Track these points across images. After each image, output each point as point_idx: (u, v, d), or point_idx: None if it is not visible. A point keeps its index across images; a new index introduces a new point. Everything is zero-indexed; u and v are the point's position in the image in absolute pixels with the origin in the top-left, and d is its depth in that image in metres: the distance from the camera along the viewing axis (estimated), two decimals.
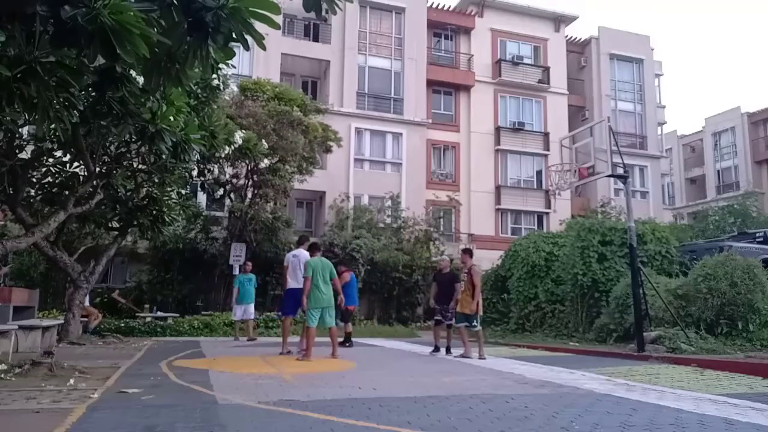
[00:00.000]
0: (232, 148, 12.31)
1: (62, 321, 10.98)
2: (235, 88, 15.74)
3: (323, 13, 4.02)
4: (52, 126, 5.82)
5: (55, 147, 9.52)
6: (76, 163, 9.91)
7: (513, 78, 27.05)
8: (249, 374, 6.50)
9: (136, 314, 15.04)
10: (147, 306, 15.90)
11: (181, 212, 12.87)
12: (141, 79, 5.26)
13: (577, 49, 30.40)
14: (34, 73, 3.87)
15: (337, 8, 3.96)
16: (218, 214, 18.96)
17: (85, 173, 9.52)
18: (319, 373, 6.95)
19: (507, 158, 26.56)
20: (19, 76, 3.86)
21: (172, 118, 7.13)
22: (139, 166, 10.48)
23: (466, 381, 6.26)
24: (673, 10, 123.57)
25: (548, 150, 26.38)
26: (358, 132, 23.45)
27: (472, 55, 26.95)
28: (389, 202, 22.10)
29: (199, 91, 9.18)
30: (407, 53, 24.78)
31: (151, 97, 6.41)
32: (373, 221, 20.87)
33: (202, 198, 18.57)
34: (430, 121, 24.99)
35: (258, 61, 22.01)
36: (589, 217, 17.22)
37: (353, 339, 11.21)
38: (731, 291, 10.14)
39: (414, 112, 24.25)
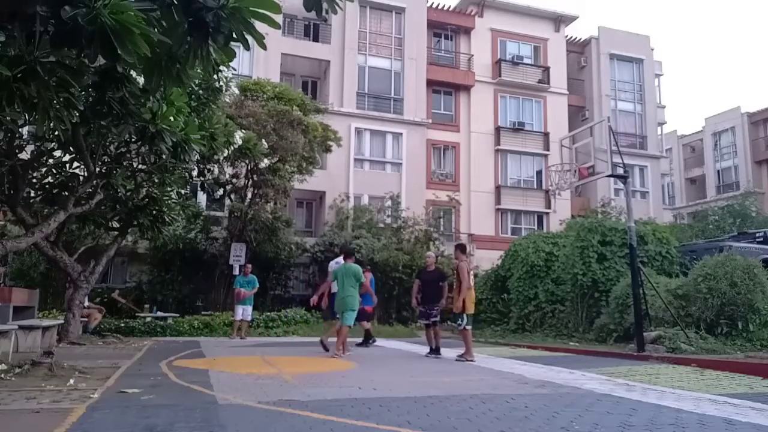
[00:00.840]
0: (232, 148, 12.30)
1: (62, 321, 10.97)
2: (236, 89, 15.73)
3: (323, 13, 4.02)
4: (52, 126, 5.81)
5: (55, 147, 9.52)
6: (76, 163, 9.90)
7: (513, 78, 27.05)
8: (249, 374, 6.50)
9: (136, 314, 15.03)
10: (147, 306, 15.89)
11: (181, 212, 12.89)
12: (141, 80, 5.26)
13: (577, 49, 30.40)
14: (34, 73, 3.87)
15: (337, 8, 3.96)
16: (218, 214, 18.95)
17: (85, 173, 9.51)
18: (319, 373, 6.95)
19: (507, 158, 26.55)
20: (19, 76, 3.86)
21: (172, 119, 7.14)
22: (139, 166, 10.47)
23: (466, 381, 6.27)
24: (673, 10, 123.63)
25: (548, 150, 26.38)
26: (358, 132, 23.45)
27: (472, 55, 26.95)
28: (389, 202, 22.08)
29: (201, 92, 9.18)
30: (407, 53, 24.78)
31: (151, 98, 6.41)
32: (373, 221, 20.85)
33: (202, 198, 18.57)
34: (430, 121, 24.98)
35: (258, 61, 22.01)
36: (589, 217, 17.21)
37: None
38: (731, 291, 10.14)
39: (414, 112, 24.24)
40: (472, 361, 8.37)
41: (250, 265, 13.80)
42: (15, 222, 11.33)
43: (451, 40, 27.52)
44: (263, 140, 14.80)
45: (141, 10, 3.38)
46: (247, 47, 3.94)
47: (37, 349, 8.34)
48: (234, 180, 16.75)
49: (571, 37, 30.13)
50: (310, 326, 15.26)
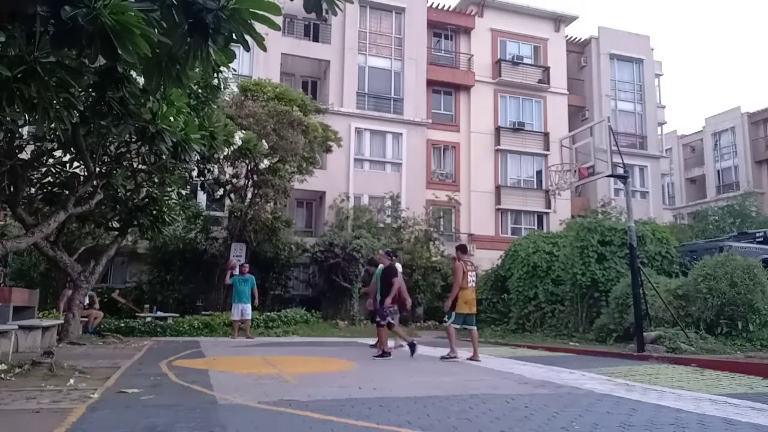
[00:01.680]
0: (233, 148, 12.31)
1: (62, 321, 10.98)
2: (236, 89, 15.74)
3: (324, 13, 4.02)
4: (52, 126, 5.82)
5: (55, 147, 9.51)
6: (76, 163, 9.90)
7: (513, 78, 27.05)
8: (249, 374, 6.51)
9: (136, 314, 15.05)
10: (147, 306, 15.90)
11: (181, 212, 12.90)
12: (141, 80, 5.26)
13: (577, 49, 30.40)
14: (34, 74, 3.86)
15: (337, 8, 3.96)
16: (218, 214, 18.96)
17: (85, 173, 9.51)
18: (320, 373, 6.96)
19: (507, 158, 26.56)
20: (19, 76, 3.85)
21: (172, 119, 7.13)
22: (139, 166, 10.47)
23: (466, 381, 6.27)
24: (673, 10, 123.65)
25: (548, 150, 26.38)
26: (358, 132, 23.45)
27: (472, 55, 26.95)
28: (389, 202, 22.09)
29: (200, 91, 9.18)
30: (407, 53, 24.78)
31: (151, 98, 6.41)
32: (373, 221, 20.85)
33: (202, 198, 18.57)
34: (430, 121, 24.98)
35: (258, 61, 22.01)
36: (589, 217, 17.22)
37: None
38: (731, 291, 10.14)
39: (414, 112, 24.25)
40: (455, 358, 8.42)
41: (247, 265, 13.84)
42: (15, 222, 11.34)
43: (451, 40, 27.52)
44: (263, 140, 14.80)
45: (141, 10, 3.38)
46: (247, 48, 3.94)
47: (37, 349, 8.34)
48: (234, 180, 16.74)
49: (571, 37, 30.13)
50: (310, 326, 15.27)
